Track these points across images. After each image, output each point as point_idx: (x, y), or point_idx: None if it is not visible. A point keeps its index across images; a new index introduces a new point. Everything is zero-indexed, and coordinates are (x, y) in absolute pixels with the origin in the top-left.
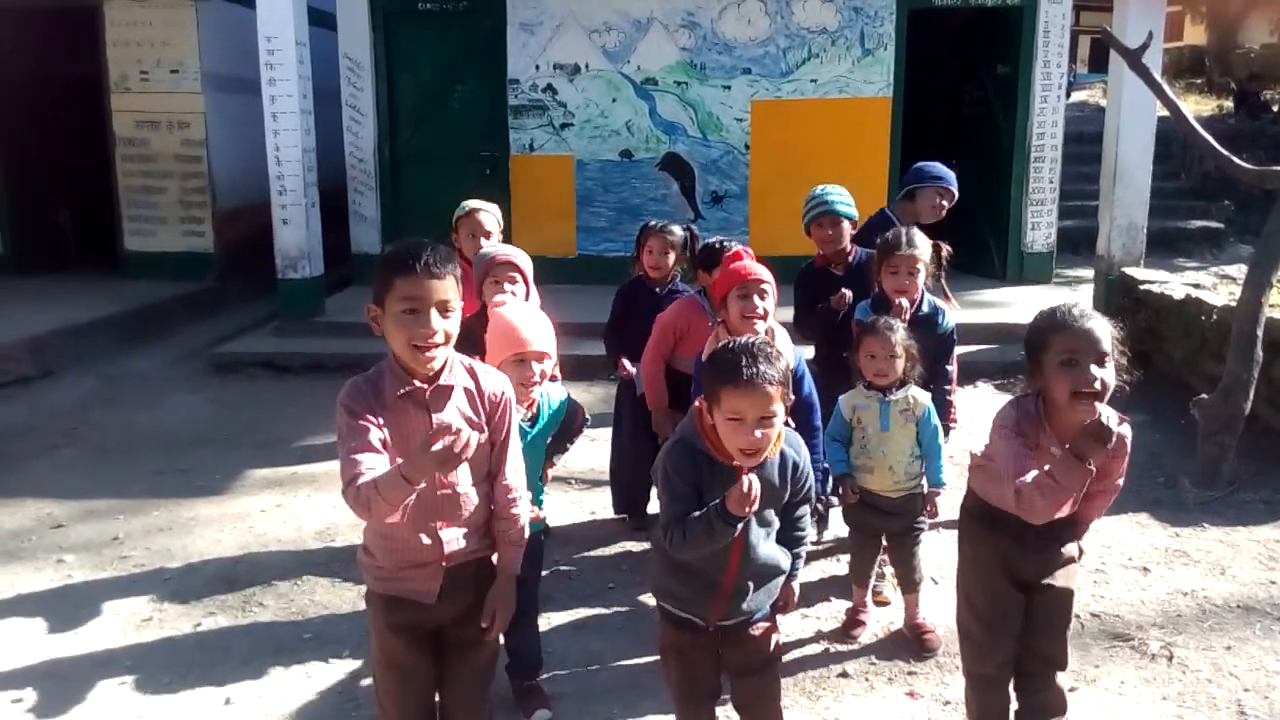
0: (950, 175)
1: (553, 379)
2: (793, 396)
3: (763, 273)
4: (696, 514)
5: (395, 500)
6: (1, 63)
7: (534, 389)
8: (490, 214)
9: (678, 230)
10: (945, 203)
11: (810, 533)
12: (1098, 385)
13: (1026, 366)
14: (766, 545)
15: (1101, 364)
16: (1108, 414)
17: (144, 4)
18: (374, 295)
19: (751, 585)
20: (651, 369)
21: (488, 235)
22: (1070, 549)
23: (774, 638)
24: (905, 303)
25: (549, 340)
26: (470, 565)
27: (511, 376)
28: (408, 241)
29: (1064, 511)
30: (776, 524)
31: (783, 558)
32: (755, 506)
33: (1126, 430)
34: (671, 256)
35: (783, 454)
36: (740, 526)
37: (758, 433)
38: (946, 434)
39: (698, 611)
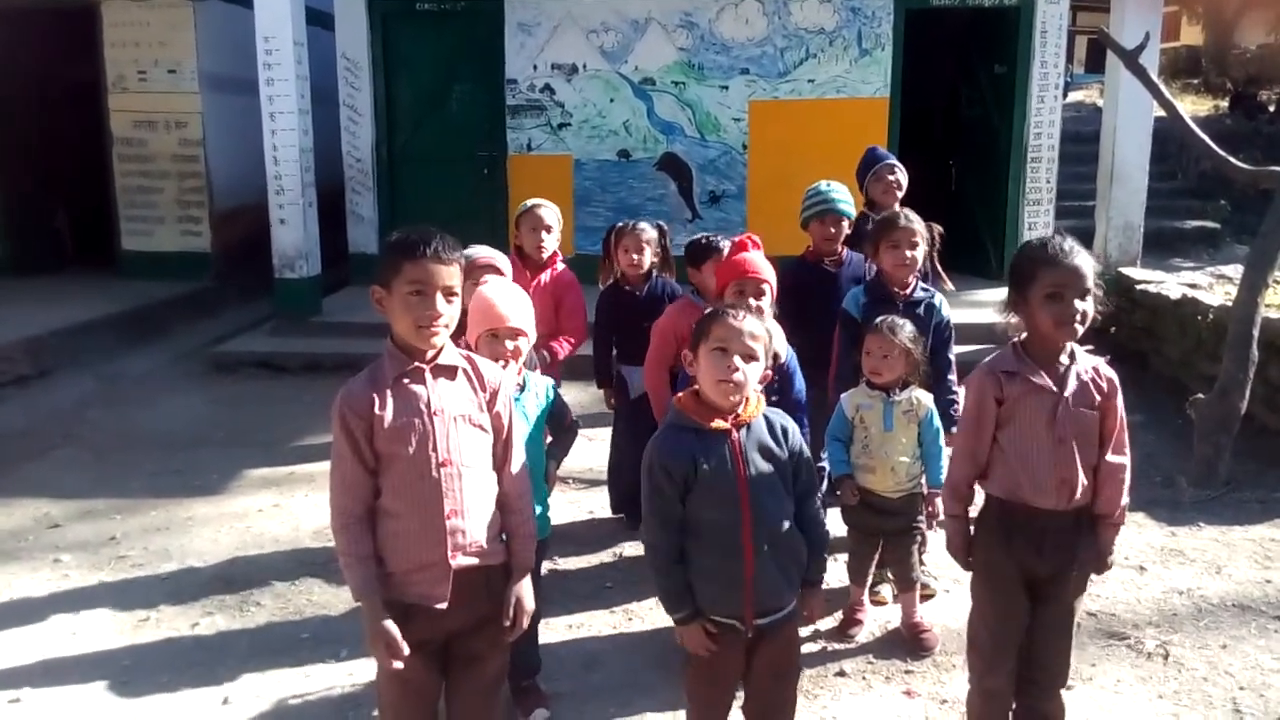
0: (884, 152)
1: (547, 373)
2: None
3: (765, 271)
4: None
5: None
6: None
7: (508, 364)
8: (551, 210)
9: (648, 227)
10: (892, 177)
11: (829, 531)
12: (1079, 318)
13: (1010, 295)
14: (781, 515)
15: (1084, 298)
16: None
17: (142, 4)
18: (379, 277)
19: (773, 564)
20: (655, 378)
21: (548, 230)
22: (1085, 561)
23: (798, 648)
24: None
25: (526, 319)
26: (480, 573)
27: (486, 353)
28: (417, 228)
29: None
30: (790, 502)
31: (801, 541)
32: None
33: (1113, 373)
34: (648, 253)
35: (766, 417)
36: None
37: (737, 360)
38: (949, 429)
39: (733, 611)
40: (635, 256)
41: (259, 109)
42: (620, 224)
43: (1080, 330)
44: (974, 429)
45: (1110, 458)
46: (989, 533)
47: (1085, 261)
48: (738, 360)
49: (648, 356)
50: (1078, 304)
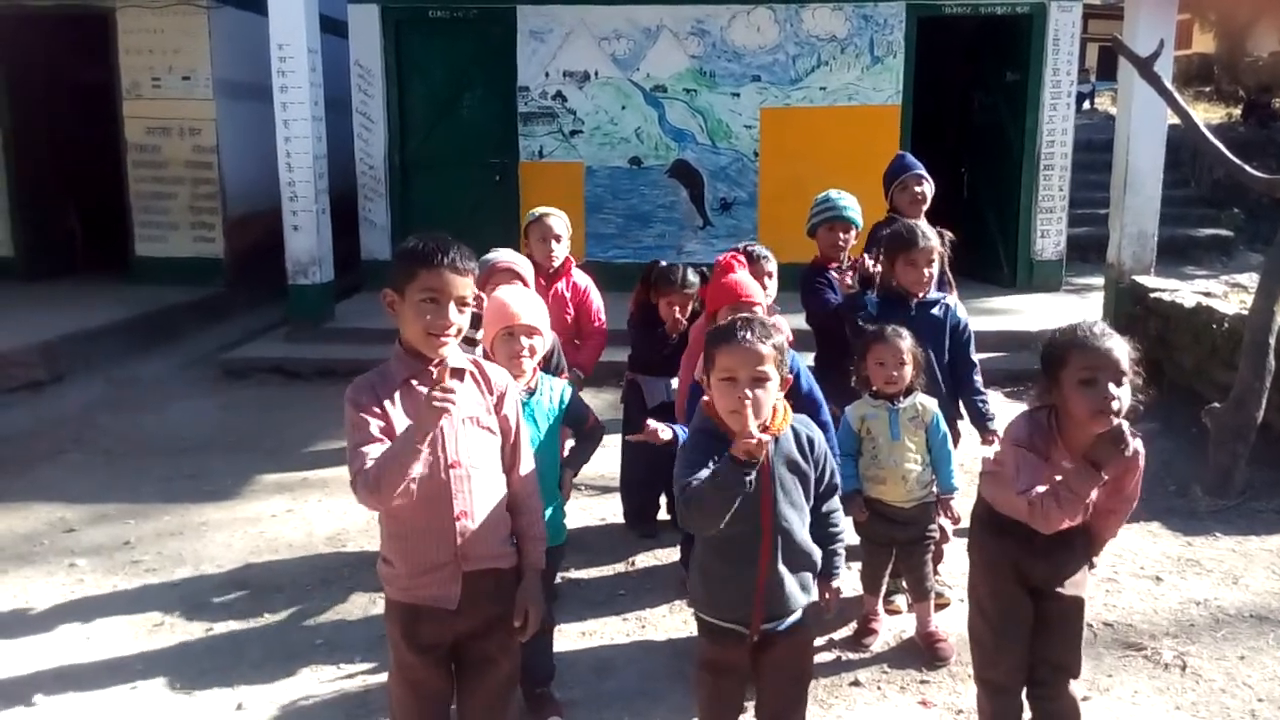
0: (913, 161)
1: (571, 379)
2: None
3: (756, 293)
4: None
5: (406, 463)
6: (13, 68)
7: (524, 362)
8: (559, 219)
9: (695, 280)
10: (919, 189)
11: (846, 529)
12: (1115, 405)
13: (1042, 381)
14: (799, 528)
15: (1119, 383)
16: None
17: (156, 11)
18: (392, 282)
19: (786, 574)
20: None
21: (557, 239)
22: (1080, 560)
23: (810, 651)
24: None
25: (541, 318)
26: (490, 575)
27: (502, 351)
28: (433, 235)
29: (1074, 520)
30: (808, 511)
31: (815, 549)
32: (761, 451)
33: (1140, 446)
34: (691, 307)
35: (794, 429)
36: (753, 481)
37: (748, 391)
38: (985, 430)
39: (740, 618)
40: (683, 312)
41: (272, 116)
42: (666, 266)
43: (1116, 420)
44: (1031, 465)
45: (1116, 501)
46: (982, 528)
47: (1119, 345)
48: (748, 391)
49: (683, 362)
50: (1113, 389)
